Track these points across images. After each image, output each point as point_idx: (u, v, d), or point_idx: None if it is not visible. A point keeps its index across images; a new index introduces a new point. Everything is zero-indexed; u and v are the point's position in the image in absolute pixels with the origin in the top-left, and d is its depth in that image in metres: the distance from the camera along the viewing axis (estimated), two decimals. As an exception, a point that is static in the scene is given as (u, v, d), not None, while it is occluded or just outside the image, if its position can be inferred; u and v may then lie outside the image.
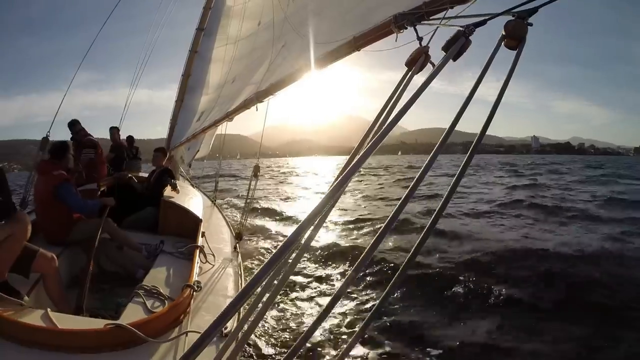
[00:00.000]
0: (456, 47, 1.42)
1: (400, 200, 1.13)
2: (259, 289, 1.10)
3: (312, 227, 1.19)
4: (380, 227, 1.12)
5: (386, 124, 1.31)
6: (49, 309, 2.06)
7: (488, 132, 1.32)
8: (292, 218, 11.17)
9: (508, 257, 6.09)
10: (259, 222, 10.80)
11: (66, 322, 1.96)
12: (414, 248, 1.19)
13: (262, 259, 7.08)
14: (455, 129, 1.31)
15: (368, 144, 1.24)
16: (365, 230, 8.92)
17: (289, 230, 9.74)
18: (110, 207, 3.66)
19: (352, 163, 1.14)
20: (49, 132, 4.80)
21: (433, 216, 1.17)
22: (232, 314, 0.93)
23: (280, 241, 8.25)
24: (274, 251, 0.97)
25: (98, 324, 1.96)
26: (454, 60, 1.46)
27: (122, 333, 1.84)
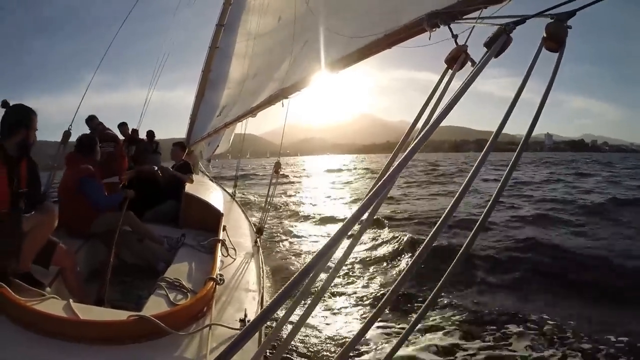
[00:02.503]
0: (498, 44, 1.41)
1: (450, 205, 1.09)
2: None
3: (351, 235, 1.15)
4: (429, 232, 1.07)
5: (429, 124, 1.27)
6: (71, 300, 2.06)
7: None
8: (315, 217, 11.11)
9: None
10: (278, 218, 10.80)
11: (88, 313, 1.95)
12: (460, 252, 1.14)
13: (283, 253, 7.03)
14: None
15: (409, 146, 1.20)
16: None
17: (310, 228, 9.68)
18: (132, 200, 3.67)
19: (393, 166, 1.09)
20: (70, 126, 4.88)
21: (480, 219, 1.13)
22: (273, 313, 0.92)
23: (301, 238, 8.19)
24: (311, 257, 0.95)
25: (120, 315, 1.94)
26: (496, 57, 1.45)
27: (146, 325, 1.83)
